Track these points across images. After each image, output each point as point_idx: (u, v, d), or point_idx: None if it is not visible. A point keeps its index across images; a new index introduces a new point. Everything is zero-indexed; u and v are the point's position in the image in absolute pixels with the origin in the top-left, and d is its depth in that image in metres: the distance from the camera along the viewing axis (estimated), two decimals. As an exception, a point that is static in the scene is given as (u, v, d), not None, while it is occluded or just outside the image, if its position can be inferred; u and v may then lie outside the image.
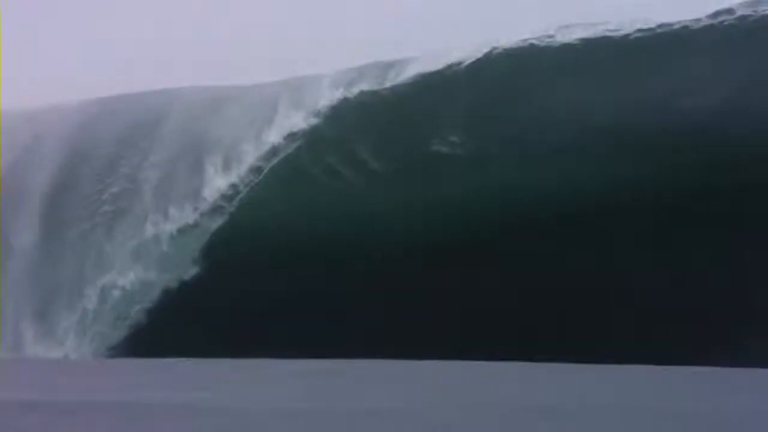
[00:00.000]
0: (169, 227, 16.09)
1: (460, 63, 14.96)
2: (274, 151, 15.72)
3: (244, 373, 10.02)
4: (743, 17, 13.97)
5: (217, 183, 15.94)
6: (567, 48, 14.67)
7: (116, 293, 16.28)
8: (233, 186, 15.78)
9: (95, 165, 17.65)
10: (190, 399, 6.40)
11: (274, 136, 15.76)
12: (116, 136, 17.82)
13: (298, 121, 15.70)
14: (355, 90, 15.51)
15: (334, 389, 7.88)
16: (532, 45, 14.92)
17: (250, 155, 15.81)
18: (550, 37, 14.60)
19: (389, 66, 15.56)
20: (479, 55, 14.91)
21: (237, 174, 15.81)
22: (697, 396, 7.80)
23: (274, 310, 14.66)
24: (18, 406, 5.68)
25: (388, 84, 15.43)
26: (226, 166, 15.96)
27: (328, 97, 15.61)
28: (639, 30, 14.44)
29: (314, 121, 15.60)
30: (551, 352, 10.94)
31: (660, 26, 14.38)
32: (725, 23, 14.03)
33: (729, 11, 13.90)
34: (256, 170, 15.75)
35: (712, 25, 14.12)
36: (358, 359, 10.82)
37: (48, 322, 16.98)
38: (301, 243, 15.04)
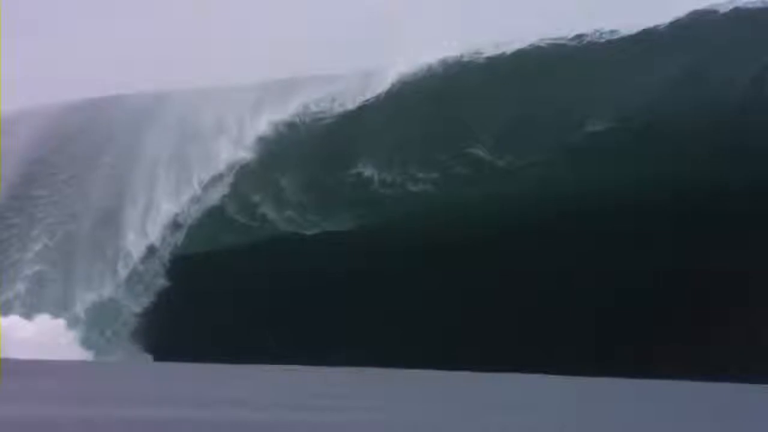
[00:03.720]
0: (89, 298, 14.92)
1: (396, 80, 13.95)
2: (195, 199, 14.63)
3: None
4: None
5: (135, 245, 14.79)
6: (497, 63, 13.79)
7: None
8: (151, 248, 14.68)
9: (27, 209, 16.44)
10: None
11: (194, 185, 14.66)
12: (50, 172, 16.59)
13: (222, 159, 14.56)
14: (281, 116, 14.40)
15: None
16: (465, 62, 14.22)
17: (171, 207, 14.78)
18: (498, 47, 13.87)
19: (318, 85, 14.56)
20: (416, 71, 13.93)
21: (154, 234, 14.70)
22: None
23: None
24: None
25: (314, 108, 14.40)
26: (144, 226, 14.91)
27: (252, 126, 14.49)
28: (578, 36, 14.00)
29: (240, 155, 14.51)
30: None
31: (600, 34, 13.98)
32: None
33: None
34: (175, 227, 14.67)
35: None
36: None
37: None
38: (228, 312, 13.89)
